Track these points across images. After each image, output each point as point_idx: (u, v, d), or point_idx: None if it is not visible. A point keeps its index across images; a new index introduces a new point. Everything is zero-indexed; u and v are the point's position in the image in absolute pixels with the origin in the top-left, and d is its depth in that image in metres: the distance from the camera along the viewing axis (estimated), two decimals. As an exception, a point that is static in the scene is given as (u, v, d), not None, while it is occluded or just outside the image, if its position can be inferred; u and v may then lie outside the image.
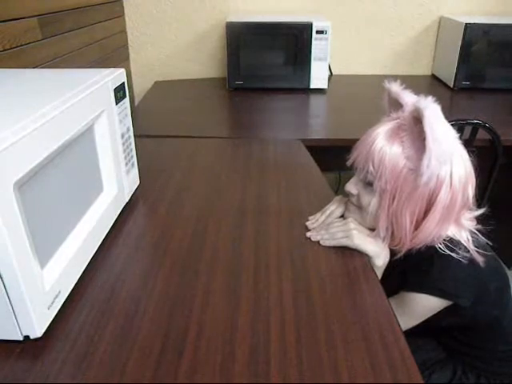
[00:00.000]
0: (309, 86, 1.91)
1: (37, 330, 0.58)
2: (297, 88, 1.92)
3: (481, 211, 0.84)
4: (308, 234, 0.84)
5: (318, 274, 0.74)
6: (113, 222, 0.85)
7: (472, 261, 0.78)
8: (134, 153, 0.95)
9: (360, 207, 0.82)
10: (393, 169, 0.73)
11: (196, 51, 2.14)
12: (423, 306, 0.83)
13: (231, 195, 1.00)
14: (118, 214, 0.88)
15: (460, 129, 1.39)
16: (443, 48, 2.11)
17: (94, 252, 0.76)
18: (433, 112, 0.69)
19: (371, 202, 0.78)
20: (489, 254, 0.81)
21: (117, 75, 0.83)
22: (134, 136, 0.94)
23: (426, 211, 0.75)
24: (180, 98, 1.92)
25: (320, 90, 1.93)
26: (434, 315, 0.84)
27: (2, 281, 0.53)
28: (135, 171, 0.97)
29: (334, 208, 0.88)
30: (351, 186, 0.82)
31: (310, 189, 1.04)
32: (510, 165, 1.67)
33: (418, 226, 0.77)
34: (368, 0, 2.08)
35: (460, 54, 1.90)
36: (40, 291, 0.58)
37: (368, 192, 0.79)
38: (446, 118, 0.72)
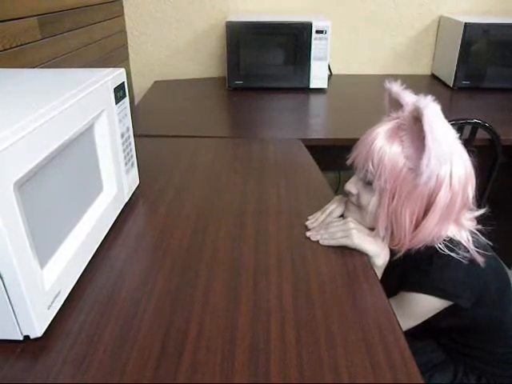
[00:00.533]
0: (308, 85, 1.91)
1: (37, 330, 0.58)
2: (296, 88, 1.92)
3: (481, 211, 0.84)
4: (308, 234, 0.84)
5: (317, 274, 0.74)
6: (112, 221, 0.85)
7: (472, 261, 0.78)
8: (133, 152, 0.95)
9: (360, 207, 0.82)
10: (392, 168, 0.73)
11: (196, 51, 2.14)
12: (423, 306, 0.83)
13: (231, 195, 1.00)
14: (118, 213, 0.88)
15: (460, 128, 1.39)
16: (443, 47, 2.11)
17: (94, 252, 0.76)
18: (432, 111, 0.69)
19: (371, 201, 0.78)
20: (489, 254, 0.81)
21: (116, 75, 0.83)
22: (134, 136, 0.94)
23: (426, 211, 0.75)
24: (180, 97, 1.92)
25: (320, 90, 1.93)
26: (434, 316, 0.84)
27: (2, 280, 0.53)
28: (135, 171, 0.97)
29: (333, 207, 0.88)
30: (351, 186, 0.82)
31: (310, 188, 1.04)
32: (509, 164, 1.67)
33: (417, 225, 0.77)
34: (368, 0, 2.08)
35: (460, 54, 1.90)
36: (40, 291, 0.58)
37: (368, 191, 0.79)
38: (446, 117, 0.72)
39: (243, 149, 1.29)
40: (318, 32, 1.82)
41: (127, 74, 0.87)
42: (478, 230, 0.82)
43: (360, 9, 2.10)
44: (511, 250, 1.80)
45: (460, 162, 0.74)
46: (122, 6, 2.00)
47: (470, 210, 0.82)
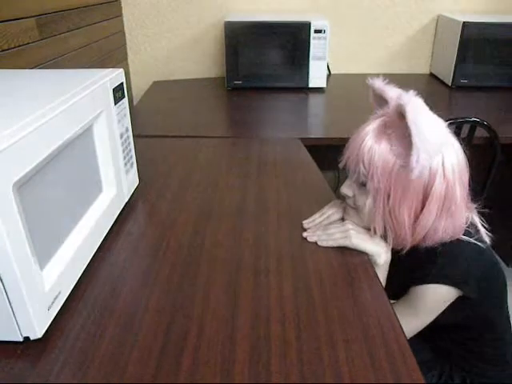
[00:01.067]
0: (307, 85, 1.91)
1: (37, 331, 0.58)
2: (295, 87, 1.92)
3: (480, 209, 0.84)
4: (304, 235, 0.84)
5: (317, 273, 0.74)
6: (112, 222, 0.85)
7: (480, 252, 0.78)
8: (132, 153, 0.95)
9: (357, 209, 0.81)
10: (383, 167, 0.73)
11: (194, 51, 2.14)
12: (432, 298, 0.82)
13: (231, 194, 1.00)
14: (118, 214, 0.88)
15: (458, 127, 1.39)
16: (441, 46, 2.11)
17: (94, 252, 0.76)
18: (415, 107, 0.68)
19: (367, 202, 0.78)
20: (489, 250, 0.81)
21: (115, 75, 0.83)
22: (133, 136, 0.94)
23: (423, 204, 0.75)
24: (178, 97, 1.92)
25: (318, 89, 1.93)
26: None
27: (2, 282, 0.53)
28: (134, 171, 0.97)
29: (331, 212, 0.88)
30: (346, 189, 0.82)
31: (309, 188, 1.04)
32: (508, 162, 1.67)
33: (416, 220, 0.76)
34: (366, -1, 2.08)
35: (458, 53, 1.90)
36: (40, 292, 0.58)
37: (363, 193, 0.79)
38: (445, 116, 0.72)
39: (242, 148, 1.29)
40: (316, 32, 1.82)
41: (126, 75, 0.87)
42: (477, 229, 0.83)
43: (358, 8, 2.10)
44: (509, 247, 1.80)
45: (451, 151, 0.74)
46: (121, 7, 2.00)
47: (468, 207, 0.82)
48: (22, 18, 1.14)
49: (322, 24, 1.82)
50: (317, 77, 1.90)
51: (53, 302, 0.61)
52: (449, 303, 0.82)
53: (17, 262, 0.53)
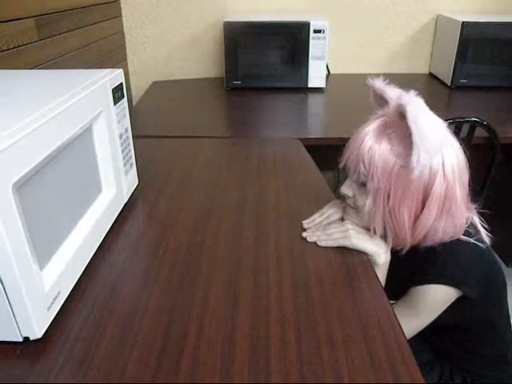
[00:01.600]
0: (307, 85, 1.91)
1: (36, 332, 0.58)
2: (295, 87, 1.92)
3: (480, 209, 0.84)
4: (304, 234, 0.84)
5: (317, 274, 0.74)
6: (112, 222, 0.85)
7: (479, 252, 0.78)
8: (132, 153, 0.95)
9: (357, 209, 0.81)
10: (384, 167, 0.73)
11: (194, 51, 2.14)
12: (432, 299, 0.82)
13: (230, 194, 1.00)
14: (117, 214, 0.88)
15: (458, 127, 1.39)
16: (440, 46, 2.11)
17: (94, 252, 0.76)
18: (415, 107, 0.68)
19: (366, 202, 0.78)
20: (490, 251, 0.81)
21: (115, 76, 0.83)
22: (133, 136, 0.94)
23: (423, 204, 0.75)
24: (178, 98, 1.92)
25: (318, 89, 1.93)
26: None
27: (2, 282, 0.53)
28: (134, 171, 0.97)
29: (331, 212, 0.88)
30: (346, 189, 0.81)
31: (309, 188, 1.04)
32: (507, 162, 1.67)
33: (416, 220, 0.76)
34: (365, -1, 2.08)
35: (457, 52, 1.90)
36: (39, 292, 0.58)
37: (363, 193, 0.79)
38: (444, 116, 0.72)
39: (242, 149, 1.29)
40: (315, 32, 1.82)
41: (125, 75, 0.87)
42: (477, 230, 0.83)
43: (358, 8, 2.10)
44: (509, 248, 1.80)
45: (451, 151, 0.74)
46: (120, 7, 2.00)
47: (468, 208, 0.82)
48: (21, 19, 1.14)
49: (321, 24, 1.82)
50: (316, 77, 1.90)
51: (52, 302, 0.61)
52: (449, 303, 0.82)
53: (16, 262, 0.52)
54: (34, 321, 0.57)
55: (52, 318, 0.61)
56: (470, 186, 0.78)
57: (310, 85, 1.91)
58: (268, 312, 0.65)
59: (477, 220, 0.83)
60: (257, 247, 0.81)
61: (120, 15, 2.00)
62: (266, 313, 0.65)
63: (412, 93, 0.71)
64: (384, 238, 0.80)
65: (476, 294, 0.80)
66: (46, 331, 0.60)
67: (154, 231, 0.87)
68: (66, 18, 1.40)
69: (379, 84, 0.79)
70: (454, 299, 0.81)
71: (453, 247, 0.79)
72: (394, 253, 0.82)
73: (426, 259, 0.81)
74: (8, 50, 1.08)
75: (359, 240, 0.79)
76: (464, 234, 0.80)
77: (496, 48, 1.91)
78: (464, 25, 1.85)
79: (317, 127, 1.66)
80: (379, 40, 2.17)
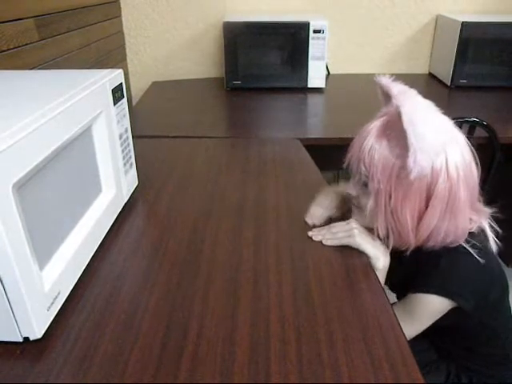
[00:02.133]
0: (306, 85, 1.91)
1: (36, 332, 0.58)
2: (294, 87, 1.92)
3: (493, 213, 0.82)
4: (309, 234, 0.83)
5: (317, 274, 0.74)
6: (112, 222, 0.85)
7: (481, 264, 0.77)
8: (132, 153, 0.95)
9: (361, 209, 0.81)
10: (383, 168, 0.72)
11: (193, 51, 2.14)
12: (429, 307, 0.82)
13: (230, 195, 1.00)
14: (117, 214, 0.88)
15: (458, 127, 1.39)
16: (440, 46, 2.11)
17: (94, 253, 0.76)
18: (411, 107, 0.68)
19: (368, 203, 0.77)
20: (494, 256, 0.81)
21: (114, 76, 0.83)
22: (133, 137, 0.94)
23: (426, 205, 0.73)
24: (178, 98, 1.92)
25: (318, 90, 1.93)
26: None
27: (2, 282, 0.53)
28: (134, 172, 0.97)
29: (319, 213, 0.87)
30: (350, 189, 0.81)
31: (309, 188, 1.03)
32: (507, 162, 1.67)
33: (419, 221, 0.75)
34: (365, -1, 2.08)
35: (457, 53, 1.90)
36: (39, 292, 0.58)
37: (365, 193, 0.78)
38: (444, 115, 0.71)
39: (242, 149, 1.29)
40: (315, 32, 1.82)
41: (125, 75, 0.88)
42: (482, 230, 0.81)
43: (357, 8, 2.10)
44: (509, 248, 1.80)
45: (456, 150, 0.72)
46: (120, 7, 2.00)
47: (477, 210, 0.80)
48: (21, 19, 1.14)
49: (320, 24, 1.82)
50: (316, 77, 1.90)
51: (52, 303, 0.61)
52: (443, 313, 0.82)
53: (16, 263, 0.53)
54: (33, 321, 0.57)
55: (52, 318, 0.61)
56: (481, 188, 0.76)
57: (310, 85, 1.91)
58: (268, 312, 0.65)
59: (486, 225, 0.81)
60: (257, 247, 0.81)
61: (120, 15, 2.00)
62: (266, 313, 0.65)
63: (410, 91, 0.71)
64: (387, 238, 0.79)
65: (471, 307, 0.80)
66: (46, 331, 0.60)
67: (153, 231, 0.87)
68: (65, 19, 1.40)
69: (385, 80, 0.78)
70: (448, 309, 0.81)
71: (454, 259, 0.78)
72: (398, 253, 0.81)
73: (427, 264, 0.80)
74: (8, 50, 1.08)
75: (362, 240, 0.79)
76: (470, 242, 0.78)
77: (496, 48, 1.91)
78: (464, 25, 1.85)
79: (316, 127, 1.66)
80: (379, 40, 2.17)
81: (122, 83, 0.86)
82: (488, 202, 0.84)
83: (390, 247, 0.80)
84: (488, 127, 1.40)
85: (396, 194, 0.73)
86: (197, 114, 1.68)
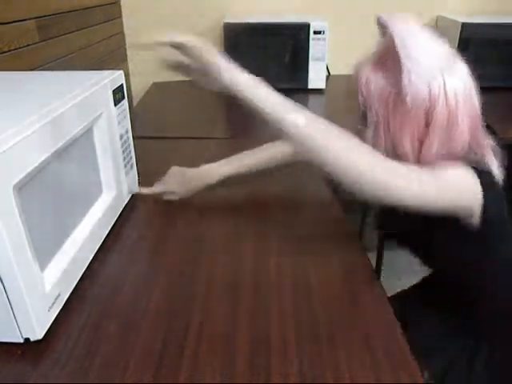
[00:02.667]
0: (307, 86, 1.91)
1: (37, 333, 0.58)
2: (295, 88, 1.92)
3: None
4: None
5: (317, 274, 0.74)
6: (112, 223, 0.85)
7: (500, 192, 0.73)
8: (132, 154, 0.95)
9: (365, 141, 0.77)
10: (380, 97, 0.71)
11: (194, 52, 2.14)
12: (452, 172, 0.71)
13: (230, 195, 1.00)
14: (118, 215, 0.88)
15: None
16: (440, 47, 2.11)
17: (94, 253, 0.76)
18: (404, 32, 0.67)
19: (368, 133, 0.75)
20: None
21: (115, 77, 0.83)
22: (133, 137, 0.94)
23: (425, 133, 0.71)
24: (178, 99, 1.92)
25: (318, 91, 1.93)
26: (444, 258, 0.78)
27: (2, 283, 0.53)
28: (134, 173, 0.97)
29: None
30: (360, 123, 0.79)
31: (309, 188, 1.04)
32: (507, 162, 1.67)
33: (420, 148, 0.72)
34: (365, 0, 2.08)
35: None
36: (40, 293, 0.58)
37: (366, 124, 0.76)
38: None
39: (242, 149, 1.29)
40: (315, 33, 1.82)
41: (126, 76, 0.88)
42: None
43: (357, 9, 2.10)
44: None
45: (455, 76, 0.70)
46: (120, 8, 2.00)
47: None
48: (22, 20, 1.15)
49: (321, 25, 1.82)
50: (316, 78, 1.90)
51: (53, 303, 0.61)
52: (460, 203, 0.71)
53: (17, 264, 0.53)
54: (34, 322, 0.57)
55: (53, 319, 0.62)
56: (484, 121, 0.73)
57: (310, 86, 1.91)
58: (268, 312, 0.65)
59: (490, 157, 0.77)
60: (257, 246, 0.81)
61: (120, 16, 2.01)
62: (266, 313, 0.65)
63: (402, 16, 0.70)
64: None
65: (479, 222, 0.72)
66: (47, 332, 0.60)
67: (154, 232, 0.87)
68: (66, 20, 1.40)
69: (383, 16, 0.76)
70: (467, 202, 0.71)
71: None
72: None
73: None
74: (9, 51, 1.08)
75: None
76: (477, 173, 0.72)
77: (496, 49, 1.91)
78: (464, 26, 1.85)
79: (317, 128, 1.65)
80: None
81: (122, 84, 0.87)
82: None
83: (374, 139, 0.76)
84: (488, 127, 1.39)
85: (394, 122, 0.71)
86: (197, 115, 1.68)
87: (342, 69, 2.21)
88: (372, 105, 0.72)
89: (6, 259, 0.52)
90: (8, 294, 0.54)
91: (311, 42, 1.83)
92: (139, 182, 0.99)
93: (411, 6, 2.11)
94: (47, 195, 0.63)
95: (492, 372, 0.86)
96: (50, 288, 0.60)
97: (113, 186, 0.85)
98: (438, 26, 2.13)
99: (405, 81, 0.66)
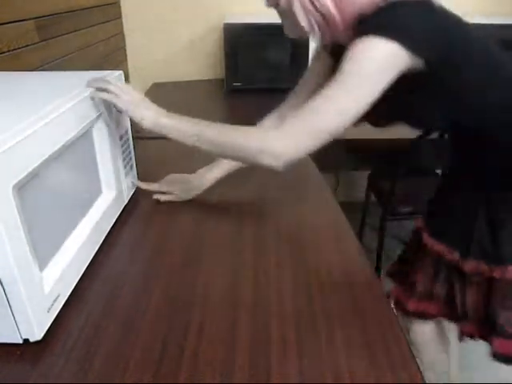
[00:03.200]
0: (307, 86, 1.91)
1: (36, 333, 0.58)
2: (295, 88, 1.92)
3: None
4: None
5: (317, 274, 0.74)
6: (112, 223, 0.85)
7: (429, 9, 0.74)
8: (132, 155, 0.95)
9: (283, 14, 0.82)
10: None
11: (194, 53, 2.14)
12: (367, 55, 0.69)
13: (230, 195, 1.00)
14: (117, 215, 0.88)
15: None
16: (440, 47, 2.11)
17: (94, 254, 0.76)
18: None
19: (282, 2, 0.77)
20: None
21: (115, 77, 0.83)
22: (133, 138, 0.94)
23: None
24: (178, 99, 1.92)
25: (318, 90, 1.93)
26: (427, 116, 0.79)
27: (2, 284, 0.53)
28: (134, 173, 0.97)
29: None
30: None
31: (309, 188, 1.04)
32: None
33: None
34: None
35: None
36: (39, 294, 0.58)
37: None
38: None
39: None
40: (315, 33, 1.82)
41: (125, 76, 0.88)
42: None
43: (357, 9, 2.10)
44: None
45: None
46: (120, 9, 2.00)
47: None
48: (22, 21, 1.15)
49: (321, 25, 1.82)
50: (316, 78, 1.90)
51: (52, 304, 0.61)
52: (396, 71, 0.69)
53: (17, 264, 0.53)
54: (34, 322, 0.57)
55: (52, 320, 0.62)
56: None
57: (310, 86, 1.91)
58: (268, 312, 0.65)
59: None
60: (257, 246, 0.81)
61: (120, 17, 2.01)
62: (266, 313, 0.65)
63: None
64: (314, 32, 0.77)
65: (435, 59, 0.72)
66: (46, 332, 0.60)
67: (153, 232, 0.87)
68: (66, 20, 1.40)
69: None
70: (401, 66, 0.69)
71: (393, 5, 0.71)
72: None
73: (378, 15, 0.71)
74: (8, 51, 1.08)
75: (123, 103, 0.77)
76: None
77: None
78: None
79: (317, 128, 1.65)
80: (379, 41, 2.17)
81: (122, 84, 0.86)
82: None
83: (320, 41, 0.80)
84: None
85: None
86: (197, 116, 1.67)
87: (341, 69, 2.20)
88: None
89: (5, 259, 0.52)
90: (7, 294, 0.54)
91: (311, 42, 1.83)
92: (139, 183, 0.99)
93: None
94: (47, 195, 0.62)
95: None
96: (49, 289, 0.60)
97: (113, 186, 0.85)
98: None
99: None
